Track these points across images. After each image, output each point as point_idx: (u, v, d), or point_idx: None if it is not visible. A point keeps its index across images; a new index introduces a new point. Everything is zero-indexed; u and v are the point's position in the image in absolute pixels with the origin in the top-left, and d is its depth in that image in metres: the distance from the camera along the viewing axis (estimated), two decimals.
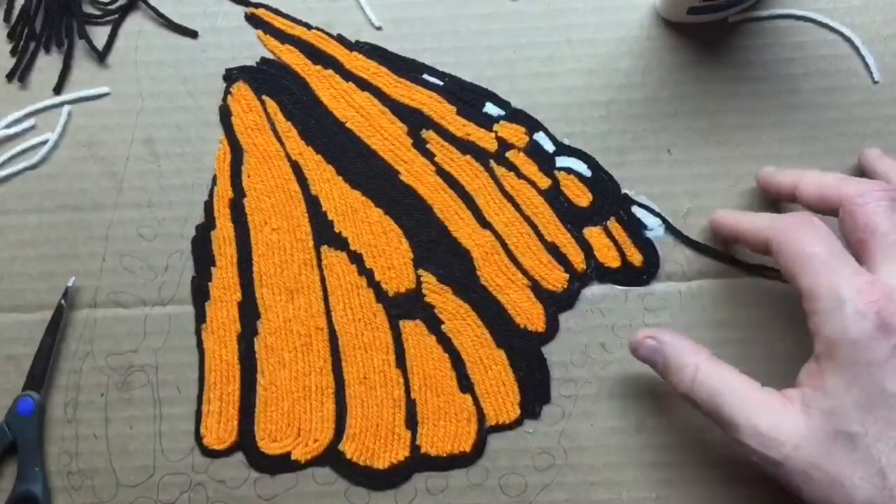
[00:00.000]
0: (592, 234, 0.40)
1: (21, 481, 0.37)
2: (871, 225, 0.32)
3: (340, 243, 0.40)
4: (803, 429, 0.30)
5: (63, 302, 0.39)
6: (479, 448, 0.38)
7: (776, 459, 0.30)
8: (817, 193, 0.34)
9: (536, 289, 0.40)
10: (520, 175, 0.41)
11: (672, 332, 0.35)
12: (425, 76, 0.42)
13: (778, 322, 0.39)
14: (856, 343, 0.29)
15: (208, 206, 0.41)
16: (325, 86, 0.42)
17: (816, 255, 0.31)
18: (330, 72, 0.42)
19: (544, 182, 0.40)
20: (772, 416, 0.31)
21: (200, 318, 0.40)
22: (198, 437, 0.39)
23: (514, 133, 0.41)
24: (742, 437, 0.31)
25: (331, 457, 0.38)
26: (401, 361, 0.39)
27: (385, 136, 0.41)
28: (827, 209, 0.34)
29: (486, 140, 0.41)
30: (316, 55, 0.42)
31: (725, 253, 0.39)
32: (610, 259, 0.40)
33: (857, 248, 0.32)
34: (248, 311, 0.40)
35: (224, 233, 0.40)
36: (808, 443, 0.30)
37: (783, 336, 0.38)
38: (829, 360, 0.30)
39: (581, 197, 0.40)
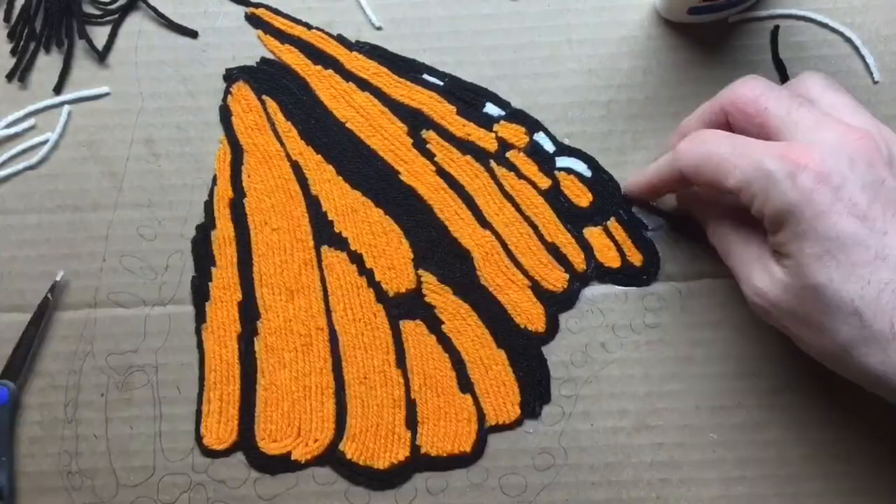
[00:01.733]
0: (593, 234, 0.40)
1: None
2: (759, 107, 0.33)
3: (341, 243, 0.40)
4: (782, 283, 0.32)
5: (49, 295, 0.39)
6: (479, 448, 0.38)
7: (765, 307, 0.33)
8: (702, 126, 0.35)
9: (537, 289, 0.40)
10: (520, 175, 0.41)
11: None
12: (425, 76, 0.42)
13: None
14: (798, 203, 0.30)
15: (208, 206, 0.41)
16: (325, 86, 0.42)
17: (725, 151, 0.32)
18: (330, 72, 0.42)
19: (544, 182, 0.40)
20: (762, 273, 0.33)
21: (200, 318, 0.40)
22: (198, 437, 0.39)
23: (514, 133, 0.41)
24: (743, 289, 0.34)
25: (331, 457, 0.38)
26: (401, 361, 0.39)
27: (385, 137, 0.41)
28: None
29: (487, 140, 0.41)
30: (316, 55, 0.42)
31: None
32: (610, 259, 0.40)
33: (759, 134, 0.33)
34: (249, 311, 0.40)
35: (224, 233, 0.40)
36: (788, 296, 0.32)
37: (782, 335, 0.38)
38: (781, 227, 0.31)
39: (581, 197, 0.40)
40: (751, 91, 0.33)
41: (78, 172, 0.41)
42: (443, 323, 0.39)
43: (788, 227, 0.31)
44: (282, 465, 0.38)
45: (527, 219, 0.40)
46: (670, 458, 0.38)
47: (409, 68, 0.42)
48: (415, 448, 0.38)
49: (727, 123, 0.34)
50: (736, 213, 0.35)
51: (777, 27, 0.41)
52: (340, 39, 0.42)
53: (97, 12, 0.43)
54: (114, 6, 0.43)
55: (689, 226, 0.40)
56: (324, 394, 0.39)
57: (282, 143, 0.41)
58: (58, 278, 0.39)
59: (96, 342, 0.40)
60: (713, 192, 0.36)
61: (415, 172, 0.41)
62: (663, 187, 0.37)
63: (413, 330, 0.39)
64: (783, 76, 0.40)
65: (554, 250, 0.40)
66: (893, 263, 0.29)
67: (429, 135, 0.41)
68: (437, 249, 0.40)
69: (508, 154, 0.41)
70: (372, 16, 0.42)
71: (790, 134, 0.32)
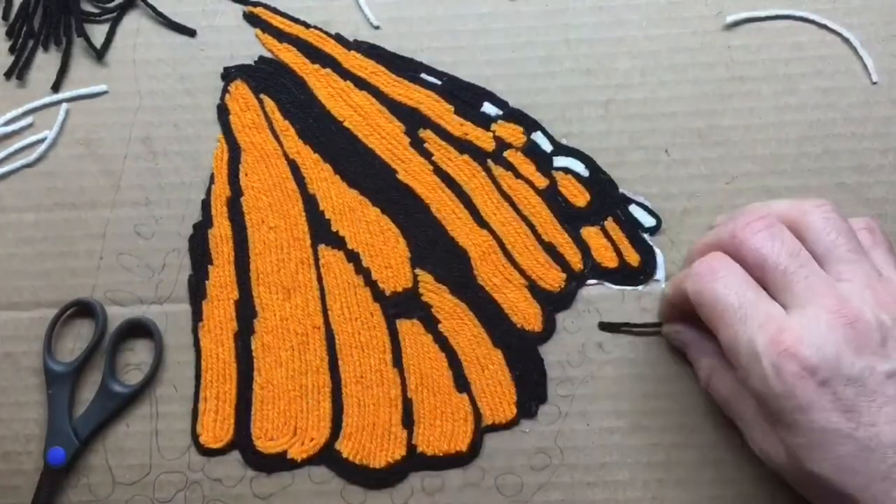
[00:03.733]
0: (590, 233, 0.40)
1: None
2: (758, 258, 0.32)
3: (337, 242, 0.40)
4: (785, 459, 0.31)
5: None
6: (475, 447, 0.38)
7: (773, 469, 0.33)
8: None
9: (533, 288, 0.40)
10: (517, 175, 0.41)
11: (696, 330, 0.36)
12: (423, 75, 0.42)
13: None
14: (781, 396, 0.30)
15: (206, 205, 0.41)
16: (322, 85, 0.42)
17: (729, 305, 0.32)
18: (328, 71, 0.42)
19: (542, 182, 0.40)
20: (764, 437, 0.33)
21: (197, 316, 0.40)
22: (194, 436, 0.39)
23: (511, 132, 0.41)
24: (748, 443, 0.34)
25: (327, 456, 0.38)
26: (397, 360, 0.39)
27: (383, 135, 0.41)
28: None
29: (484, 139, 0.41)
30: (314, 54, 0.42)
31: None
32: (607, 259, 0.40)
33: (760, 281, 0.32)
34: (245, 310, 0.40)
35: (221, 231, 0.40)
36: (788, 467, 0.31)
37: None
38: (766, 409, 0.31)
39: (579, 197, 0.40)
40: (753, 239, 0.32)
41: (76, 170, 0.41)
42: (439, 322, 0.39)
43: (774, 414, 0.31)
44: (278, 463, 0.38)
45: (524, 218, 0.40)
46: (666, 458, 0.38)
47: (406, 67, 0.42)
48: (411, 447, 0.38)
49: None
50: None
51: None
52: (338, 38, 0.42)
53: (95, 10, 0.43)
54: (112, 4, 0.43)
55: (686, 226, 0.40)
56: (320, 393, 0.39)
57: (279, 142, 0.41)
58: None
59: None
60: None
61: (412, 171, 0.41)
62: (675, 305, 0.36)
63: (409, 329, 0.39)
64: None
65: (551, 250, 0.40)
66: (881, 455, 0.29)
67: (426, 134, 0.41)
68: (434, 248, 0.40)
69: (506, 153, 0.41)
70: (370, 15, 0.42)
71: (785, 298, 0.31)
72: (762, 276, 0.32)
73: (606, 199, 0.40)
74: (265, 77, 0.42)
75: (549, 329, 0.39)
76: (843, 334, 0.30)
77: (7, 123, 0.42)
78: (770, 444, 0.32)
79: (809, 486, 0.31)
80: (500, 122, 0.41)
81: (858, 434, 0.29)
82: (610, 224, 0.40)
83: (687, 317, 0.36)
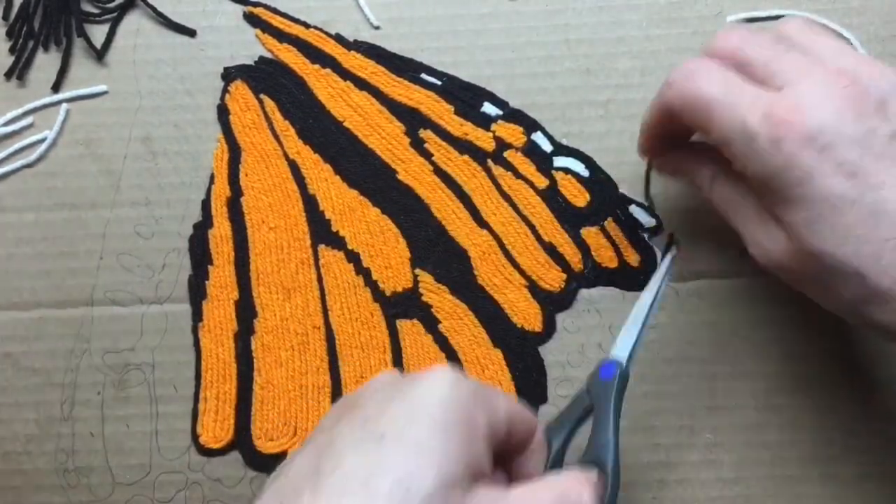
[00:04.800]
0: (590, 234, 0.40)
1: (592, 447, 0.32)
2: (739, 55, 0.31)
3: (338, 242, 0.40)
4: (786, 251, 0.30)
5: None
6: None
7: (774, 269, 0.31)
8: None
9: (533, 289, 0.40)
10: (517, 175, 0.41)
11: (684, 150, 0.35)
12: (423, 75, 0.42)
13: (775, 323, 0.38)
14: (782, 169, 0.28)
15: (206, 205, 0.41)
16: (323, 85, 0.42)
17: (714, 96, 0.30)
18: (328, 71, 0.42)
19: (542, 182, 0.40)
20: (765, 234, 0.31)
21: (197, 316, 0.40)
22: (194, 436, 0.39)
23: (511, 133, 0.41)
24: (749, 249, 0.32)
25: None
26: (398, 361, 0.39)
27: (383, 136, 0.41)
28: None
29: (484, 139, 0.41)
30: (314, 54, 0.42)
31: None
32: (607, 259, 0.40)
33: (751, 76, 0.31)
34: (245, 310, 0.40)
35: (221, 231, 0.40)
36: (793, 262, 0.30)
37: (780, 337, 0.38)
38: (770, 196, 0.30)
39: (579, 197, 0.40)
40: (729, 42, 0.31)
41: (76, 171, 0.41)
42: (439, 322, 0.39)
43: (775, 193, 0.29)
44: (278, 463, 0.38)
45: (524, 218, 0.40)
46: (667, 458, 0.38)
47: (406, 67, 0.42)
48: None
49: None
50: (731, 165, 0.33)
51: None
52: (338, 38, 0.42)
53: (96, 11, 0.43)
54: (112, 5, 0.43)
55: (686, 226, 0.40)
56: (320, 393, 0.39)
57: (279, 142, 0.41)
58: None
59: (93, 340, 0.40)
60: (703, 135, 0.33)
61: (412, 171, 0.41)
62: (660, 129, 0.34)
63: (410, 329, 0.39)
64: None
65: (551, 250, 0.40)
66: (892, 219, 0.28)
67: (426, 134, 0.41)
68: (434, 249, 0.40)
69: (506, 153, 0.41)
70: (370, 15, 0.42)
71: (774, 84, 0.30)
72: (746, 73, 0.31)
73: (606, 199, 0.40)
74: (265, 77, 0.42)
75: (549, 329, 0.39)
76: (840, 98, 0.28)
77: (7, 123, 0.42)
78: (771, 238, 0.31)
79: (813, 276, 0.30)
80: (500, 122, 0.41)
81: (866, 199, 0.28)
82: (610, 224, 0.40)
83: (673, 140, 0.35)
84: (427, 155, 0.41)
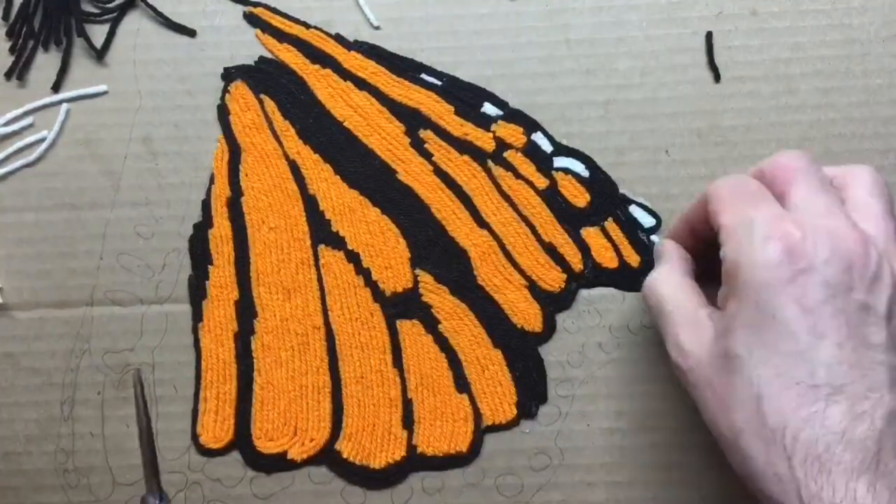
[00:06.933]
0: (590, 234, 0.40)
1: None
2: (787, 178, 0.31)
3: (338, 242, 0.40)
4: (706, 345, 0.31)
5: (137, 389, 0.39)
6: (475, 448, 0.38)
7: (683, 369, 0.31)
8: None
9: (533, 289, 0.40)
10: (518, 175, 0.41)
11: (676, 246, 0.36)
12: (423, 76, 0.42)
13: None
14: (757, 265, 0.29)
15: (206, 205, 0.41)
16: (323, 85, 0.42)
17: (737, 194, 0.31)
18: (328, 71, 0.42)
19: (542, 182, 0.40)
20: (690, 330, 0.32)
21: (197, 316, 0.40)
22: (194, 436, 0.39)
23: (512, 133, 0.41)
24: (667, 348, 0.32)
25: (327, 456, 0.38)
26: (398, 361, 0.39)
27: (383, 136, 0.41)
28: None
29: (484, 140, 0.41)
30: (314, 54, 0.42)
31: None
32: (607, 259, 0.40)
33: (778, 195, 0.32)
34: (245, 310, 0.40)
35: (221, 231, 0.40)
36: (707, 359, 0.30)
37: None
38: (732, 281, 0.30)
39: (579, 197, 0.40)
40: (789, 162, 0.32)
41: (76, 171, 0.41)
42: (439, 322, 0.39)
43: (737, 285, 0.29)
44: (278, 464, 0.38)
45: (524, 219, 0.40)
46: (667, 459, 0.38)
47: (407, 67, 0.42)
48: (411, 448, 0.38)
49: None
50: (698, 263, 0.35)
51: (710, 33, 0.40)
52: (338, 38, 0.42)
53: (96, 11, 0.43)
54: (112, 5, 0.43)
55: None
56: (320, 393, 0.39)
57: (279, 142, 0.41)
58: (133, 374, 0.39)
59: (93, 340, 0.40)
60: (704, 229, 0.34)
61: (412, 172, 0.41)
62: (699, 223, 0.35)
63: (410, 329, 0.39)
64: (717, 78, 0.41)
65: (551, 250, 0.40)
66: (811, 369, 0.28)
67: (426, 134, 0.41)
68: (434, 249, 0.40)
69: (506, 154, 0.41)
70: (370, 15, 0.42)
71: (800, 212, 0.30)
72: (781, 197, 0.31)
73: (606, 199, 0.40)
74: (265, 77, 0.42)
75: (549, 329, 0.39)
76: (841, 247, 0.29)
77: (7, 123, 0.42)
78: (696, 338, 0.31)
79: (715, 380, 0.30)
80: (500, 122, 0.41)
81: (802, 338, 0.28)
82: (610, 224, 0.40)
83: (689, 240, 0.36)
84: (427, 155, 0.41)
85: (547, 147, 0.41)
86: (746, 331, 0.29)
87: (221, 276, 0.40)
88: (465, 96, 0.41)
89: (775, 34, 0.41)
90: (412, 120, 0.41)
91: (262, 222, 0.40)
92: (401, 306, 0.40)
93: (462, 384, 0.39)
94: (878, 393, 0.28)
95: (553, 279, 0.40)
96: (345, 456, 0.38)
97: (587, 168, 0.40)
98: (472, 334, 0.39)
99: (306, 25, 0.42)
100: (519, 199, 0.40)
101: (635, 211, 0.40)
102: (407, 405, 0.39)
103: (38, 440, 0.39)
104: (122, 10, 0.43)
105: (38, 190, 0.41)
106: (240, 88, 0.42)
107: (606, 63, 0.41)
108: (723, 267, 0.31)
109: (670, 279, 0.34)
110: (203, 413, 0.39)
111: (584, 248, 0.40)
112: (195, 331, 0.40)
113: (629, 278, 0.39)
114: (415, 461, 0.38)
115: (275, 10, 0.42)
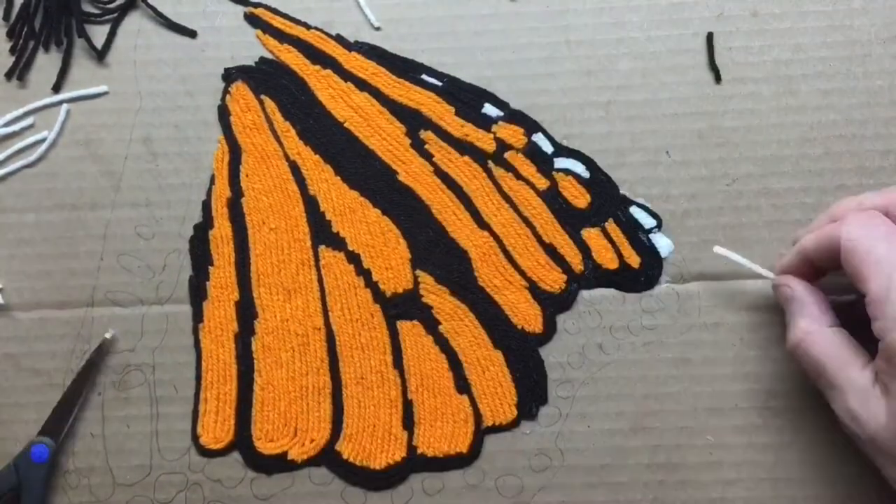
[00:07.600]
0: (590, 235, 0.40)
1: None
2: None
3: (338, 243, 0.40)
4: (882, 418, 0.31)
5: (95, 356, 0.39)
6: (475, 449, 0.38)
7: (863, 438, 0.32)
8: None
9: (534, 290, 0.40)
10: (518, 176, 0.41)
11: (806, 286, 0.35)
12: (424, 76, 0.42)
13: (775, 325, 0.38)
14: None
15: (206, 206, 0.41)
16: (323, 86, 0.42)
17: (883, 258, 0.31)
18: (329, 72, 0.42)
19: (542, 183, 0.40)
20: (860, 399, 0.32)
21: (198, 317, 0.40)
22: (194, 437, 0.39)
23: (512, 134, 0.41)
24: (836, 410, 0.33)
25: (327, 457, 0.38)
26: (398, 362, 0.39)
27: (383, 137, 0.41)
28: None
29: (485, 141, 0.41)
30: (315, 55, 0.42)
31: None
32: (608, 261, 0.40)
33: None
34: (246, 311, 0.40)
35: (222, 232, 0.40)
36: (884, 433, 0.31)
37: (780, 338, 0.38)
38: (893, 367, 0.30)
39: (579, 198, 0.40)
40: None
41: (76, 171, 0.41)
42: (440, 323, 0.39)
43: None
44: (278, 464, 0.38)
45: (525, 220, 0.40)
46: (667, 460, 0.38)
47: (407, 68, 0.42)
48: (411, 448, 0.38)
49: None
50: (848, 321, 0.34)
51: (711, 34, 0.41)
52: (339, 39, 0.42)
53: (96, 11, 0.43)
54: (113, 5, 0.43)
55: (686, 227, 0.40)
56: (320, 394, 0.39)
57: (280, 143, 0.41)
58: (107, 335, 0.39)
59: (93, 341, 0.39)
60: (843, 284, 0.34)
61: (413, 173, 0.41)
62: (818, 255, 0.34)
63: (410, 330, 0.39)
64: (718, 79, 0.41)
65: (552, 251, 0.40)
66: None
67: (427, 135, 0.41)
68: (434, 250, 0.40)
69: (507, 155, 0.41)
70: (371, 16, 0.42)
71: None
72: None
73: (607, 200, 0.40)
74: (266, 78, 0.42)
75: (549, 330, 0.39)
76: None
77: (7, 124, 0.42)
78: (868, 409, 0.31)
79: (891, 453, 0.30)
80: (500, 123, 0.41)
81: None
82: (610, 226, 0.40)
83: (807, 273, 0.35)
84: (428, 156, 0.41)
85: (547, 148, 0.41)
86: None
87: (222, 276, 0.40)
88: (466, 97, 0.41)
89: (776, 35, 0.41)
90: (413, 121, 0.41)
91: (262, 223, 0.40)
92: (401, 307, 0.40)
93: (462, 385, 0.39)
94: None
95: (553, 280, 0.40)
96: (345, 457, 0.38)
97: (588, 169, 0.40)
98: (473, 335, 0.39)
99: (307, 26, 0.42)
100: (519, 200, 0.40)
101: (636, 212, 0.40)
102: (407, 406, 0.39)
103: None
104: (123, 11, 0.43)
105: (39, 190, 0.41)
106: (240, 89, 0.42)
107: (607, 64, 0.41)
108: (880, 345, 0.31)
109: (822, 336, 0.33)
110: (203, 414, 0.39)
111: (584, 249, 0.40)
112: (195, 331, 0.40)
113: (630, 279, 0.39)
114: (415, 462, 0.38)
115: (275, 11, 0.42)
